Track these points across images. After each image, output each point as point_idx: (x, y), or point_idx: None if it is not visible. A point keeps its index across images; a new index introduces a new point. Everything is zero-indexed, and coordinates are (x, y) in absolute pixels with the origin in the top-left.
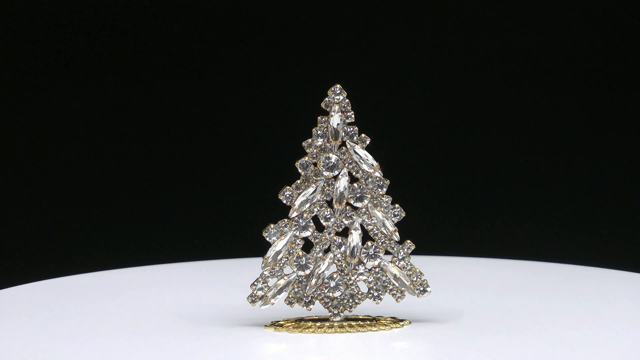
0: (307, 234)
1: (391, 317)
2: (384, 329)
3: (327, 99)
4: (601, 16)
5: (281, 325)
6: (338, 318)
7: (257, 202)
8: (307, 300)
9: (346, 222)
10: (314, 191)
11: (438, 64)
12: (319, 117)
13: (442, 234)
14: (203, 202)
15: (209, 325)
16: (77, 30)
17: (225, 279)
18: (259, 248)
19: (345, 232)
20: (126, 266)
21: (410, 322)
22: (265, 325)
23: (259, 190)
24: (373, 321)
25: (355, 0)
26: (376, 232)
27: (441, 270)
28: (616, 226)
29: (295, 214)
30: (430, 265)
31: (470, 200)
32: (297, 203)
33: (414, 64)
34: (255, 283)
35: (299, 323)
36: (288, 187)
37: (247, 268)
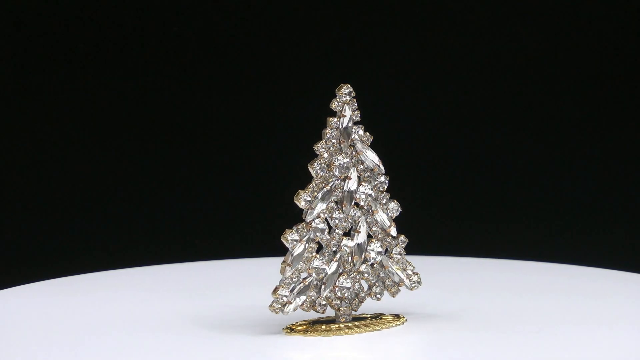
0: (321, 236)
1: (391, 314)
2: (399, 325)
3: (337, 99)
4: (600, 16)
5: (305, 331)
6: (346, 318)
7: (258, 202)
8: (321, 303)
9: (353, 221)
10: (328, 193)
11: (437, 64)
12: (329, 118)
13: (442, 234)
14: (209, 202)
15: (227, 330)
16: (80, 31)
17: (227, 280)
18: (259, 248)
19: (347, 232)
20: (129, 266)
21: (406, 320)
22: (286, 332)
23: (263, 190)
24: (376, 319)
25: (356, 0)
26: (377, 229)
27: (441, 270)
28: (616, 226)
29: (312, 217)
30: (430, 265)
31: (471, 201)
32: (314, 206)
33: (414, 64)
34: (278, 290)
35: (321, 326)
36: (303, 191)
37: (243, 268)
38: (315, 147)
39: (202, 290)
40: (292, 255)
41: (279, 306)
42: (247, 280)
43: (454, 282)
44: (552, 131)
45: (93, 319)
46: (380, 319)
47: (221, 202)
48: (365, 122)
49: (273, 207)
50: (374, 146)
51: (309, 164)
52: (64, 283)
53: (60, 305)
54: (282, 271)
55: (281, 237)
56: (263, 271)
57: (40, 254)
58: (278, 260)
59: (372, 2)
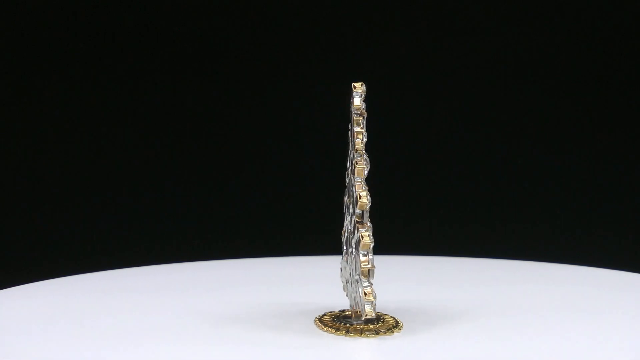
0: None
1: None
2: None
3: (360, 98)
4: (600, 16)
5: (346, 330)
6: (363, 317)
7: (258, 202)
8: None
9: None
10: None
11: (437, 65)
12: (356, 119)
13: (442, 234)
14: (209, 203)
15: (253, 328)
16: (91, 32)
17: (228, 279)
18: (254, 248)
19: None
20: (130, 266)
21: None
22: (325, 329)
23: (263, 191)
24: (379, 320)
25: (355, 1)
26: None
27: (440, 270)
28: (616, 226)
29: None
30: (429, 265)
31: (470, 201)
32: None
33: (413, 65)
34: (370, 294)
35: (360, 326)
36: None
37: (244, 268)
38: (360, 149)
39: (206, 289)
40: (371, 256)
41: (373, 309)
42: (248, 279)
43: (453, 282)
44: (553, 131)
45: (94, 318)
46: (385, 320)
47: (221, 203)
48: (368, 121)
49: (273, 208)
50: (374, 148)
51: (357, 166)
52: (64, 283)
53: (60, 305)
54: (368, 273)
55: (362, 240)
56: (258, 271)
57: (40, 254)
58: (265, 260)
59: (373, 3)
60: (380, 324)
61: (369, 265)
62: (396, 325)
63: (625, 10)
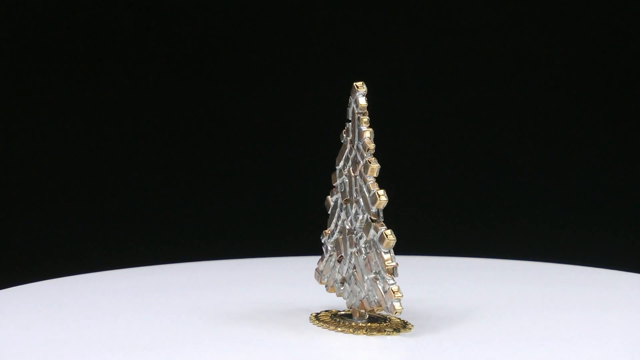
0: None
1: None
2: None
3: (364, 98)
4: (600, 16)
5: (366, 328)
6: (367, 316)
7: (257, 203)
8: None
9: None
10: None
11: (437, 65)
12: (364, 118)
13: (442, 234)
14: (210, 203)
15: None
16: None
17: (228, 279)
18: (245, 249)
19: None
20: (130, 266)
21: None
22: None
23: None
24: (385, 321)
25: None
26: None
27: (440, 270)
28: (616, 226)
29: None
30: (429, 265)
31: (470, 201)
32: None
33: (414, 65)
34: (398, 292)
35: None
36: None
37: (243, 268)
38: (372, 148)
39: (206, 289)
40: (393, 254)
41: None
42: (248, 279)
43: (453, 282)
44: (553, 131)
45: (94, 319)
46: (391, 320)
47: (221, 203)
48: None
49: (273, 208)
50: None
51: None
52: (64, 283)
53: (60, 305)
54: (393, 271)
55: (386, 238)
56: (259, 271)
57: (40, 254)
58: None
59: (373, 3)
60: (387, 323)
61: (394, 263)
62: (405, 324)
63: (625, 11)
